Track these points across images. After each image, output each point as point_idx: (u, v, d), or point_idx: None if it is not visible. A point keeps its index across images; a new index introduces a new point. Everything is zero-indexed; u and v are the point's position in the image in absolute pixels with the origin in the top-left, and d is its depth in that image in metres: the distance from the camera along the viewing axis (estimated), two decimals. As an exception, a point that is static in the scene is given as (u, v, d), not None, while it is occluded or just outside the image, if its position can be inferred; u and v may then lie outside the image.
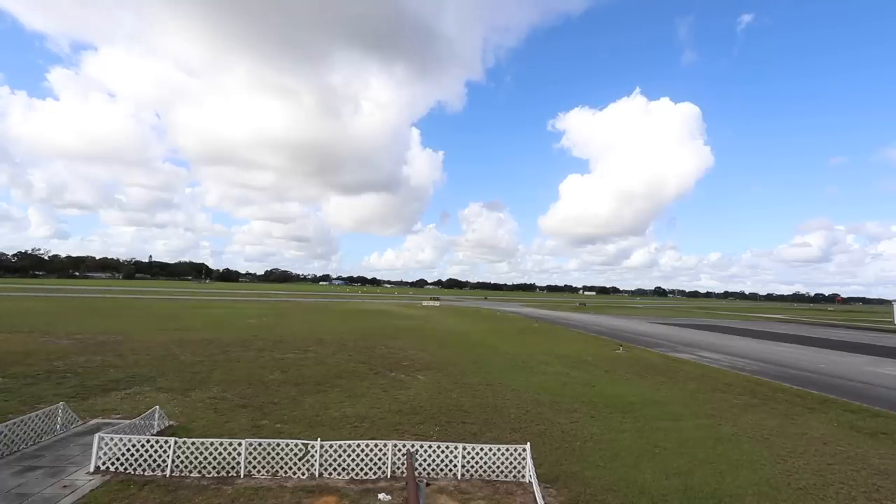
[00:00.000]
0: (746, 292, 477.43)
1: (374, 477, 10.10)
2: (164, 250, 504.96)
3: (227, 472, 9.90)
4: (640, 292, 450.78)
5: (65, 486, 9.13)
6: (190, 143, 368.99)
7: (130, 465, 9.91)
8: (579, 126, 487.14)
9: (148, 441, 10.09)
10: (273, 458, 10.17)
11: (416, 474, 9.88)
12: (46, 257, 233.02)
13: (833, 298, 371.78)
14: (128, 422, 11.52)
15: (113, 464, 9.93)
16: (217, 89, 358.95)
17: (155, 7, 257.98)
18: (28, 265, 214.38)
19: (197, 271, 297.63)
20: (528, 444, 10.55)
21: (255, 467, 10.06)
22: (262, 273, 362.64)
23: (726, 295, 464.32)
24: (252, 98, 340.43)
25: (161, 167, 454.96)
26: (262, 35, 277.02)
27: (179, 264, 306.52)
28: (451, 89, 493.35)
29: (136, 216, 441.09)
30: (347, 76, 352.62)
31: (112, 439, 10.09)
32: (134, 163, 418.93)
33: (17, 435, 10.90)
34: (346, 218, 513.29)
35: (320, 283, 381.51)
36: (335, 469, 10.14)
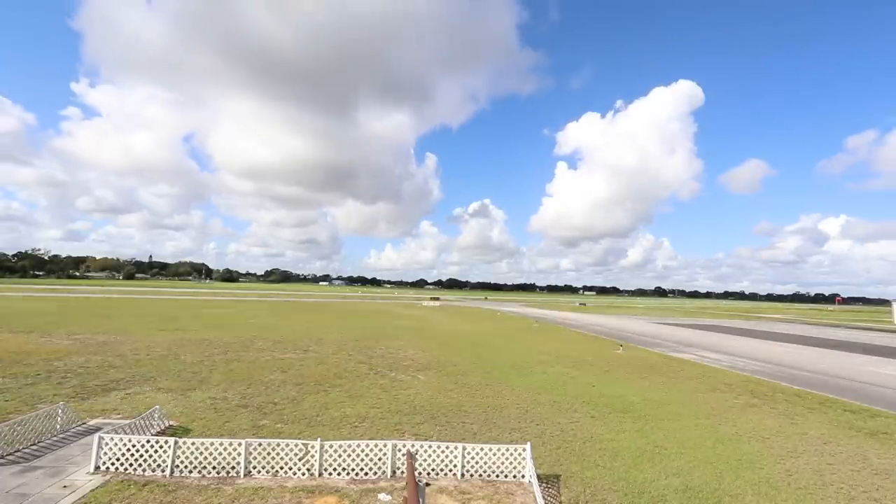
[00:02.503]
0: (746, 292, 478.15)
1: (374, 477, 10.10)
2: (172, 252, 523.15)
3: (227, 472, 9.90)
4: (640, 292, 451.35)
5: (65, 486, 9.13)
6: (221, 162, 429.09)
7: (130, 465, 9.91)
8: (575, 131, 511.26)
9: (148, 441, 10.09)
10: (273, 458, 10.16)
11: (416, 474, 9.88)
12: (46, 257, 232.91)
13: (833, 299, 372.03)
14: (128, 422, 11.52)
15: (113, 464, 9.93)
16: (254, 129, 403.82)
17: (212, 77, 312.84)
18: (28, 265, 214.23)
19: (197, 271, 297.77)
20: (529, 443, 10.55)
21: (255, 467, 10.06)
22: (263, 273, 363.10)
23: (726, 295, 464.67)
24: (284, 133, 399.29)
25: (189, 180, 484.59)
26: (300, 90, 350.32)
27: (180, 264, 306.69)
28: (454, 118, 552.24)
29: (157, 220, 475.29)
30: (366, 115, 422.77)
31: (112, 439, 10.09)
32: (165, 176, 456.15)
33: (18, 435, 10.90)
34: (355, 222, 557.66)
35: (321, 283, 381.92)
36: (335, 469, 10.14)
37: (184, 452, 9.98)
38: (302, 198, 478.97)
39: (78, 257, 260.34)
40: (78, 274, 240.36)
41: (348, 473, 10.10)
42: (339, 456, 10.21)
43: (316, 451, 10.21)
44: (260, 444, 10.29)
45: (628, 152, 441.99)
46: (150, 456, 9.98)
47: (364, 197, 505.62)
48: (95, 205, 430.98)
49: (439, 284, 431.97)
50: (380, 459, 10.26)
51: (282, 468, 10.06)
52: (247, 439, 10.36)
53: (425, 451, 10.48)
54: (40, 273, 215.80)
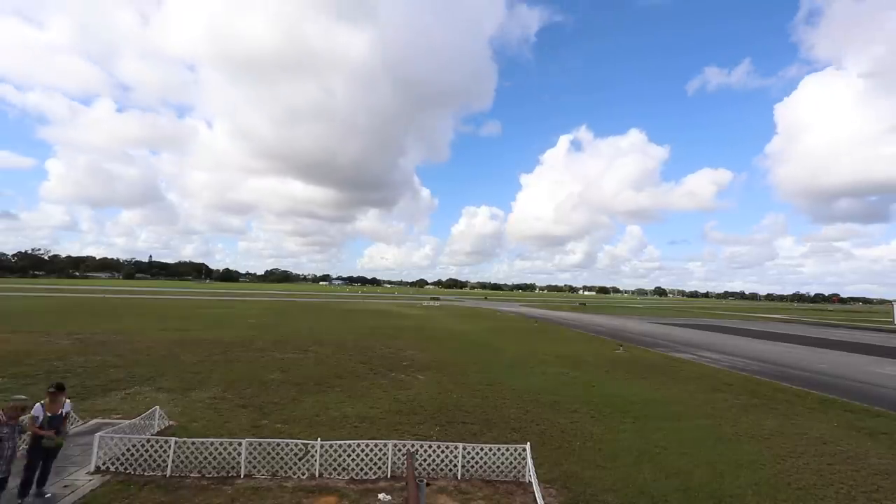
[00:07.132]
0: (746, 292, 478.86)
1: (374, 477, 10.10)
2: (185, 252, 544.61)
3: (227, 472, 9.90)
4: (641, 292, 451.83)
5: (65, 486, 9.13)
6: (267, 198, 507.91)
7: (130, 465, 9.91)
8: (549, 157, 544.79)
9: (148, 441, 10.09)
10: (273, 458, 10.17)
11: (416, 474, 9.88)
12: (46, 257, 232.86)
13: (832, 298, 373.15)
14: (128, 422, 11.51)
15: (113, 464, 9.92)
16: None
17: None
18: (28, 265, 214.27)
19: (197, 271, 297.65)
20: (529, 444, 10.54)
21: (255, 467, 10.06)
22: (262, 273, 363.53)
23: (726, 295, 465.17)
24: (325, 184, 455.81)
25: (238, 203, 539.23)
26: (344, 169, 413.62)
27: (180, 264, 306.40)
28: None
29: (190, 226, 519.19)
30: (387, 159, 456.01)
31: (112, 439, 10.09)
32: (216, 193, 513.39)
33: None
34: (365, 229, 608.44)
35: (320, 283, 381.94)
36: (335, 469, 10.14)
37: (184, 452, 9.98)
38: (326, 214, 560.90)
39: (77, 257, 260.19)
40: (77, 274, 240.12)
41: (348, 473, 10.09)
42: (339, 456, 10.21)
43: (316, 451, 10.21)
44: (260, 444, 10.30)
45: (629, 166, 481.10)
46: (150, 456, 9.98)
47: (377, 208, 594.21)
48: (143, 218, 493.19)
49: (439, 284, 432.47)
50: (379, 459, 10.26)
51: (281, 468, 10.06)
52: (246, 439, 10.35)
53: (425, 451, 10.48)
54: (40, 273, 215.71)
